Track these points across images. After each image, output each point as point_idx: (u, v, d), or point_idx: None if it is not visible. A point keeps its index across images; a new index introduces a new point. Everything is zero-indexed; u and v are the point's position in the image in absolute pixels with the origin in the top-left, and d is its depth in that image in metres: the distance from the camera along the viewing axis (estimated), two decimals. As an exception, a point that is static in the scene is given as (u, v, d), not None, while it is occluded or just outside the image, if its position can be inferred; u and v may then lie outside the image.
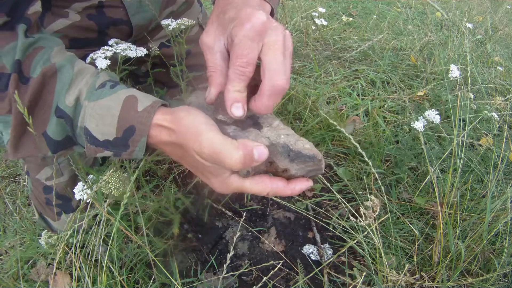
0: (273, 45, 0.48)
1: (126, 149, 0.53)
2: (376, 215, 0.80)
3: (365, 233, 0.88)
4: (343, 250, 1.01)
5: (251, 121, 0.53)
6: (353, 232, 1.02)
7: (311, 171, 0.52)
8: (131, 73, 1.05)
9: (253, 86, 0.50)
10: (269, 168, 0.51)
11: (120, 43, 0.84)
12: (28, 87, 0.52)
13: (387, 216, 0.90)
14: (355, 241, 0.95)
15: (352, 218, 0.81)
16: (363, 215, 0.81)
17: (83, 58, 0.79)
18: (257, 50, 0.48)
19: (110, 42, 0.84)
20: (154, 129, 0.51)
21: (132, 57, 0.82)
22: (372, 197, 0.81)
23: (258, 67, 0.50)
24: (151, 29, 1.01)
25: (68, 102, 0.53)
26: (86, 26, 0.87)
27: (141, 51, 0.84)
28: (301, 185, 0.50)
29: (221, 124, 0.51)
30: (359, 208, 0.84)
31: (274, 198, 1.19)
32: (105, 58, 0.75)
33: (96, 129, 0.53)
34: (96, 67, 0.75)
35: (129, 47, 0.83)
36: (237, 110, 0.49)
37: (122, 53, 0.79)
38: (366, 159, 0.87)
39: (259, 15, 0.48)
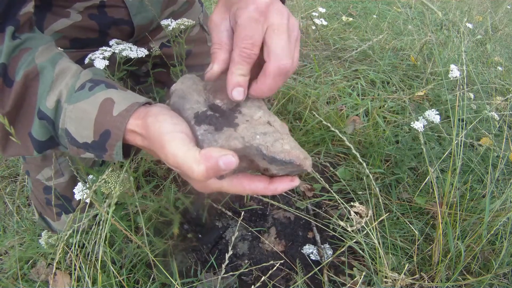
0: (277, 28, 0.47)
1: (105, 152, 0.53)
2: (368, 219, 0.80)
3: (364, 232, 0.88)
4: (342, 249, 1.01)
5: (230, 114, 0.49)
6: (352, 233, 1.02)
7: (294, 171, 0.48)
8: (132, 73, 1.05)
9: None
10: (251, 166, 0.48)
11: (121, 43, 0.84)
12: (12, 90, 0.53)
13: (383, 217, 0.90)
14: (354, 241, 0.95)
15: (341, 223, 0.81)
16: (353, 220, 0.81)
17: (83, 58, 0.80)
18: (261, 31, 0.47)
19: (111, 43, 0.84)
20: (128, 134, 0.51)
21: (132, 57, 0.81)
22: (357, 204, 0.81)
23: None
24: (152, 29, 1.01)
25: (49, 105, 0.53)
26: (87, 26, 0.87)
27: (142, 52, 0.84)
28: (283, 185, 0.47)
29: (193, 123, 0.47)
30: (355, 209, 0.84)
31: (274, 197, 1.19)
32: (104, 58, 0.75)
33: (75, 132, 0.53)
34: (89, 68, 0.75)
35: (130, 47, 0.83)
36: (239, 95, 0.48)
37: (122, 53, 0.79)
38: (360, 160, 0.87)
39: None
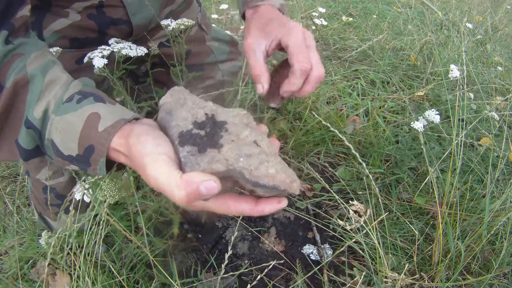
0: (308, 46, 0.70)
1: (89, 166, 0.53)
2: (367, 217, 0.80)
3: (364, 231, 0.88)
4: (341, 249, 1.01)
5: (215, 131, 0.48)
6: (351, 232, 1.02)
7: (281, 194, 0.47)
8: (131, 73, 1.05)
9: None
10: (237, 185, 0.47)
11: (120, 42, 0.84)
12: (1, 96, 0.53)
13: (382, 217, 0.90)
14: (353, 241, 0.95)
15: (340, 222, 0.81)
16: (352, 219, 0.81)
17: (83, 57, 0.81)
18: (308, 52, 0.69)
19: (110, 42, 0.84)
20: (112, 152, 0.50)
21: (132, 56, 0.81)
22: (355, 202, 0.81)
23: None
24: (150, 28, 1.01)
25: (36, 114, 0.53)
26: (86, 26, 0.87)
27: (141, 50, 0.84)
28: (270, 207, 0.46)
29: (177, 143, 0.47)
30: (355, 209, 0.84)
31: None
32: (102, 57, 0.75)
33: (61, 144, 0.53)
34: (93, 66, 0.75)
35: (129, 46, 0.83)
36: (287, 94, 0.69)
37: (121, 51, 0.79)
38: (360, 160, 0.87)
39: (299, 26, 0.71)
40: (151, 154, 0.44)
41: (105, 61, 0.74)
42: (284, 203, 0.46)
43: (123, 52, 0.80)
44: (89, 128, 0.51)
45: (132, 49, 0.83)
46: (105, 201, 0.70)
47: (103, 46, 0.78)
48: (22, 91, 0.54)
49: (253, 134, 0.49)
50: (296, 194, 0.47)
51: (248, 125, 0.50)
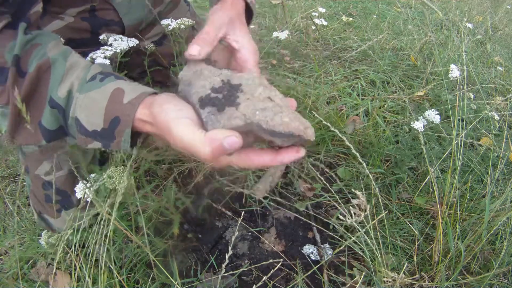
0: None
1: (113, 140, 0.55)
2: (366, 213, 0.80)
3: (364, 229, 0.88)
4: (340, 248, 1.01)
5: (232, 93, 0.53)
6: (348, 233, 1.02)
7: (298, 141, 0.50)
8: (126, 75, 1.06)
9: None
10: (257, 140, 0.51)
11: (111, 35, 0.86)
12: (25, 80, 0.56)
13: (381, 215, 0.90)
14: (352, 240, 0.95)
15: (340, 217, 0.81)
16: (352, 214, 0.81)
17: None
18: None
19: (101, 36, 0.86)
20: (137, 122, 0.53)
21: (124, 48, 0.83)
22: (357, 192, 0.81)
23: None
24: (141, 29, 1.04)
25: (61, 94, 0.56)
26: (80, 27, 0.91)
27: (133, 42, 0.86)
28: (289, 156, 0.49)
29: (198, 107, 0.51)
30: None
31: (275, 197, 1.19)
32: (105, 57, 0.75)
33: (85, 120, 0.56)
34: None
35: (120, 37, 0.86)
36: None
37: (117, 48, 0.80)
38: (360, 160, 0.87)
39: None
40: (175, 119, 0.48)
41: (107, 61, 0.75)
42: (302, 152, 0.49)
43: (114, 44, 0.83)
44: (114, 102, 0.54)
45: (123, 41, 0.85)
46: (109, 194, 0.70)
47: (105, 47, 0.78)
48: (45, 75, 0.57)
49: (266, 91, 0.53)
50: (312, 140, 0.51)
51: (261, 84, 0.55)
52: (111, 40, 0.83)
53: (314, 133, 0.51)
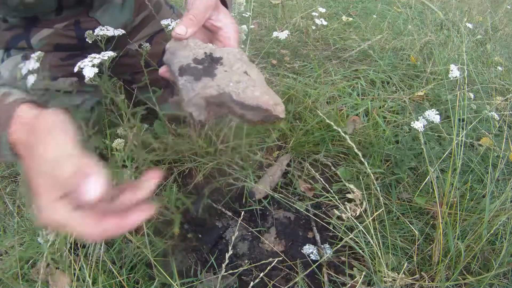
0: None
1: None
2: (363, 208, 0.80)
3: (363, 225, 0.88)
4: (338, 246, 1.01)
5: (211, 65, 0.55)
6: (348, 232, 1.02)
7: (267, 116, 0.52)
8: (123, 80, 1.16)
9: None
10: (230, 112, 0.52)
11: (99, 27, 0.89)
12: None
13: (379, 211, 0.90)
14: (350, 237, 0.95)
15: (337, 212, 0.82)
16: (348, 208, 0.81)
17: (66, 57, 0.94)
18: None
19: (86, 33, 0.90)
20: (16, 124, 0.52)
21: (110, 55, 0.83)
22: (352, 186, 0.81)
23: None
24: (127, 32, 1.07)
25: None
26: (67, 34, 0.98)
27: (119, 31, 0.89)
28: (137, 217, 0.42)
29: (177, 75, 0.53)
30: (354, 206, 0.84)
31: (275, 197, 1.19)
32: (93, 66, 0.75)
33: None
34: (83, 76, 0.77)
35: (106, 27, 0.88)
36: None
37: (104, 55, 0.81)
38: (362, 159, 0.87)
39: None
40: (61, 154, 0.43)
41: (96, 70, 0.74)
42: (147, 212, 0.43)
43: (100, 33, 0.86)
44: None
45: (109, 30, 0.87)
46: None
47: (93, 55, 0.78)
48: None
49: (244, 66, 0.56)
50: (282, 117, 0.52)
51: (241, 59, 0.57)
52: (98, 30, 0.87)
53: (284, 110, 0.53)
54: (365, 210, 0.84)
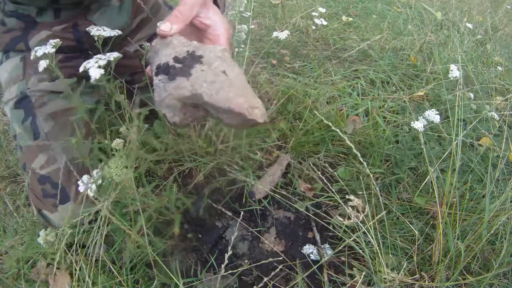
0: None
1: None
2: (365, 214, 0.80)
3: (362, 230, 0.88)
4: (340, 247, 1.01)
5: (190, 64, 0.52)
6: (348, 232, 1.02)
7: (244, 120, 0.48)
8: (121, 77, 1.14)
9: None
10: (207, 114, 0.50)
11: (95, 27, 0.89)
12: None
13: (381, 215, 0.90)
14: (351, 239, 0.95)
15: (338, 218, 0.82)
16: (350, 216, 0.81)
17: (64, 59, 0.95)
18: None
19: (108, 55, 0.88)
20: None
21: (106, 36, 0.85)
22: (352, 197, 0.81)
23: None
24: (125, 35, 1.09)
25: None
26: (65, 36, 0.99)
27: (115, 32, 0.88)
28: None
29: (153, 74, 0.52)
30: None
31: (275, 197, 1.19)
32: (99, 67, 0.75)
33: None
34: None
35: (103, 28, 0.88)
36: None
37: (110, 56, 0.81)
38: (361, 159, 0.87)
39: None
40: None
41: (102, 71, 0.74)
42: None
43: (97, 33, 0.86)
44: None
45: (105, 30, 0.87)
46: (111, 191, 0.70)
47: (99, 56, 0.78)
48: None
49: (224, 64, 0.53)
50: (260, 122, 0.48)
51: (221, 57, 0.54)
52: (94, 31, 0.87)
53: (264, 114, 0.49)
54: (365, 212, 0.84)
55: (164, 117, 0.51)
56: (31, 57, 0.77)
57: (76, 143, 0.87)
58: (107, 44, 0.97)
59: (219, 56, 0.54)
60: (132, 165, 0.69)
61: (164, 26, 0.60)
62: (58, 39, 0.81)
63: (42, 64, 0.76)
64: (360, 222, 0.89)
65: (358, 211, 0.81)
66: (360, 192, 1.18)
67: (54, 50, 0.76)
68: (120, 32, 0.91)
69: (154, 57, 0.55)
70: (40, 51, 0.76)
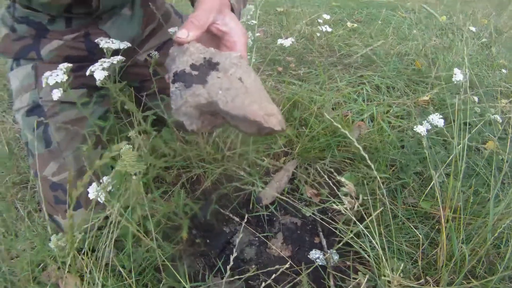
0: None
1: None
2: (360, 202, 0.80)
3: (365, 223, 0.89)
4: (339, 245, 1.02)
5: (206, 71, 0.52)
6: (355, 238, 1.03)
7: (260, 128, 0.47)
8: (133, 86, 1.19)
9: None
10: (225, 121, 0.50)
11: (103, 40, 0.91)
12: None
13: (378, 211, 0.90)
14: (355, 242, 0.96)
15: (334, 206, 0.82)
16: (344, 203, 0.81)
17: (79, 76, 0.96)
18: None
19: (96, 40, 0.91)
20: None
21: (114, 48, 0.87)
22: (342, 179, 0.81)
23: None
24: (136, 45, 1.11)
25: None
26: (77, 46, 1.01)
27: (124, 44, 0.90)
28: None
29: (170, 82, 0.52)
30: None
31: (282, 202, 1.21)
32: (103, 69, 0.78)
33: None
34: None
35: (112, 41, 0.90)
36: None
37: (104, 45, 0.85)
38: (369, 162, 0.88)
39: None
40: None
41: (106, 73, 0.77)
42: None
43: (106, 45, 0.87)
44: None
45: (114, 43, 0.89)
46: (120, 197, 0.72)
47: (103, 59, 0.81)
48: None
49: (240, 71, 0.52)
50: (277, 129, 0.47)
51: (237, 64, 0.54)
52: (102, 43, 0.88)
53: (280, 122, 0.47)
54: (359, 199, 0.85)
55: (182, 125, 0.50)
56: (43, 85, 0.77)
57: (86, 150, 0.89)
58: (118, 54, 1.00)
59: (235, 62, 0.54)
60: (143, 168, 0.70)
61: (180, 33, 0.59)
62: (68, 64, 0.83)
63: (56, 93, 0.76)
64: (365, 227, 0.90)
65: (352, 197, 0.81)
66: (366, 197, 1.18)
67: (66, 77, 0.76)
68: (129, 44, 0.92)
69: (171, 64, 0.55)
70: (51, 79, 0.75)
